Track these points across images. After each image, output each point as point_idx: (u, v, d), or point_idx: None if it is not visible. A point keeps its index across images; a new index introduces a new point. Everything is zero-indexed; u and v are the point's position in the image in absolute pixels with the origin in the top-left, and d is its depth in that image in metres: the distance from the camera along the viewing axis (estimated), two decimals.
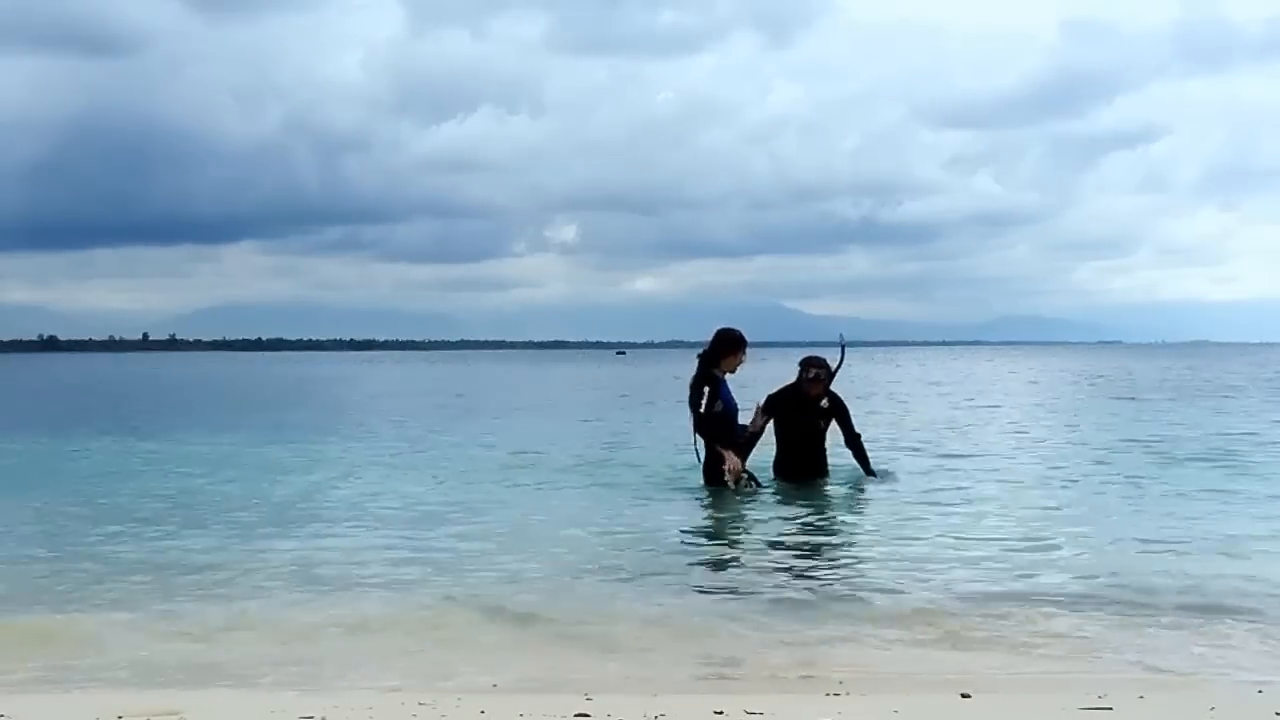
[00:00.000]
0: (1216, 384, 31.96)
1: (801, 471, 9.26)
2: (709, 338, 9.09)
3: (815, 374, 9.13)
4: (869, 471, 9.49)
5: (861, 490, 9.44)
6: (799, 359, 9.48)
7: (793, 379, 9.37)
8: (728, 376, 9.06)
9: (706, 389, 8.86)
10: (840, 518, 8.44)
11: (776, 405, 9.20)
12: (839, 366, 9.15)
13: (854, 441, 9.41)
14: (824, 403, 9.18)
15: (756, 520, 8.25)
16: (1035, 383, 36.70)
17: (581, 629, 5.46)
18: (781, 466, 9.36)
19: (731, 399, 9.02)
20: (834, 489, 9.34)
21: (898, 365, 64.25)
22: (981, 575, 6.42)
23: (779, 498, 8.92)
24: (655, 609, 5.75)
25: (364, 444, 15.42)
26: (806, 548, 7.29)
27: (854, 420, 9.44)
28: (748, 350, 9.17)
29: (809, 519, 8.30)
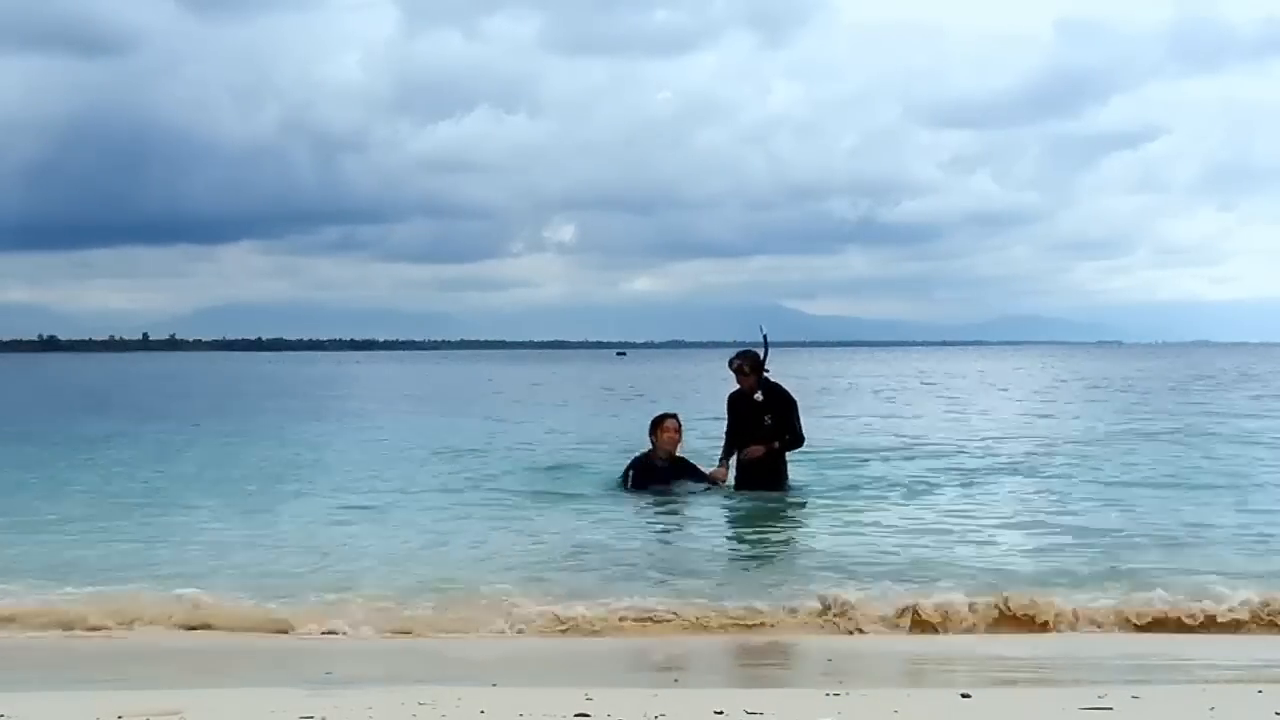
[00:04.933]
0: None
1: (757, 481, 9.02)
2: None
3: (739, 365, 9.05)
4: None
5: (838, 493, 9.44)
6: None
7: (781, 380, 9.25)
8: (679, 451, 9.22)
9: (631, 473, 9.22)
10: (826, 520, 8.40)
11: (730, 408, 9.16)
12: (765, 356, 9.07)
13: (792, 441, 9.06)
14: (758, 396, 8.96)
15: (743, 524, 8.25)
16: (1021, 377, 36.72)
17: (580, 629, 5.48)
18: (741, 476, 9.12)
19: (654, 483, 9.07)
20: (802, 497, 9.16)
21: (899, 364, 64.37)
22: (978, 576, 6.45)
23: (751, 504, 8.77)
24: (652, 610, 5.77)
25: (350, 442, 15.54)
26: (798, 550, 7.34)
27: (801, 423, 9.08)
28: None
29: (793, 522, 8.34)
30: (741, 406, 9.07)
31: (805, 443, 9.21)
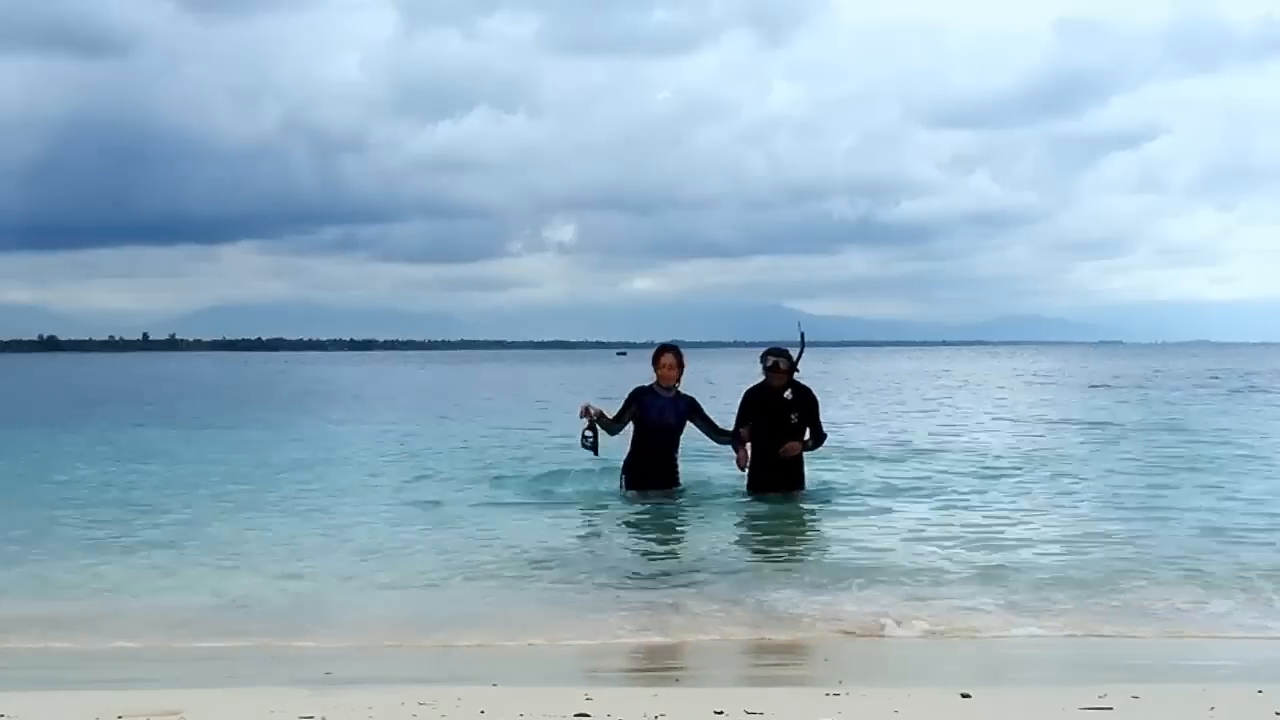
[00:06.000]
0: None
1: (775, 482, 8.88)
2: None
3: (774, 362, 8.85)
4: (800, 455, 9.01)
5: (835, 495, 9.39)
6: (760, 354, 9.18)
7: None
8: (679, 387, 9.08)
9: (626, 399, 9.07)
10: (823, 522, 8.39)
11: (749, 404, 8.94)
12: (799, 356, 8.93)
13: (816, 440, 9.02)
14: (788, 394, 8.81)
15: (739, 528, 8.19)
16: (1028, 381, 36.74)
17: (580, 629, 5.49)
18: (754, 477, 8.97)
19: (654, 413, 8.94)
20: (808, 500, 9.02)
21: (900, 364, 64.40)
22: (976, 576, 6.47)
23: (753, 507, 8.70)
24: (651, 611, 5.79)
25: (342, 442, 15.59)
26: (794, 553, 7.33)
27: (822, 421, 9.04)
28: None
29: (786, 525, 8.27)
30: (767, 403, 8.87)
31: (826, 440, 9.16)
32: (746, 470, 8.99)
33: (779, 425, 8.83)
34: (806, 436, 8.95)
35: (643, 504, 8.85)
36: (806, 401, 8.93)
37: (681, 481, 9.19)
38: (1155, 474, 10.98)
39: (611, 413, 8.99)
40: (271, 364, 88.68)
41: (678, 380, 9.07)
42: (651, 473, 9.04)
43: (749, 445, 8.91)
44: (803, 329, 9.20)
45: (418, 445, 15.07)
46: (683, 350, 9.22)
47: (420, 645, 5.32)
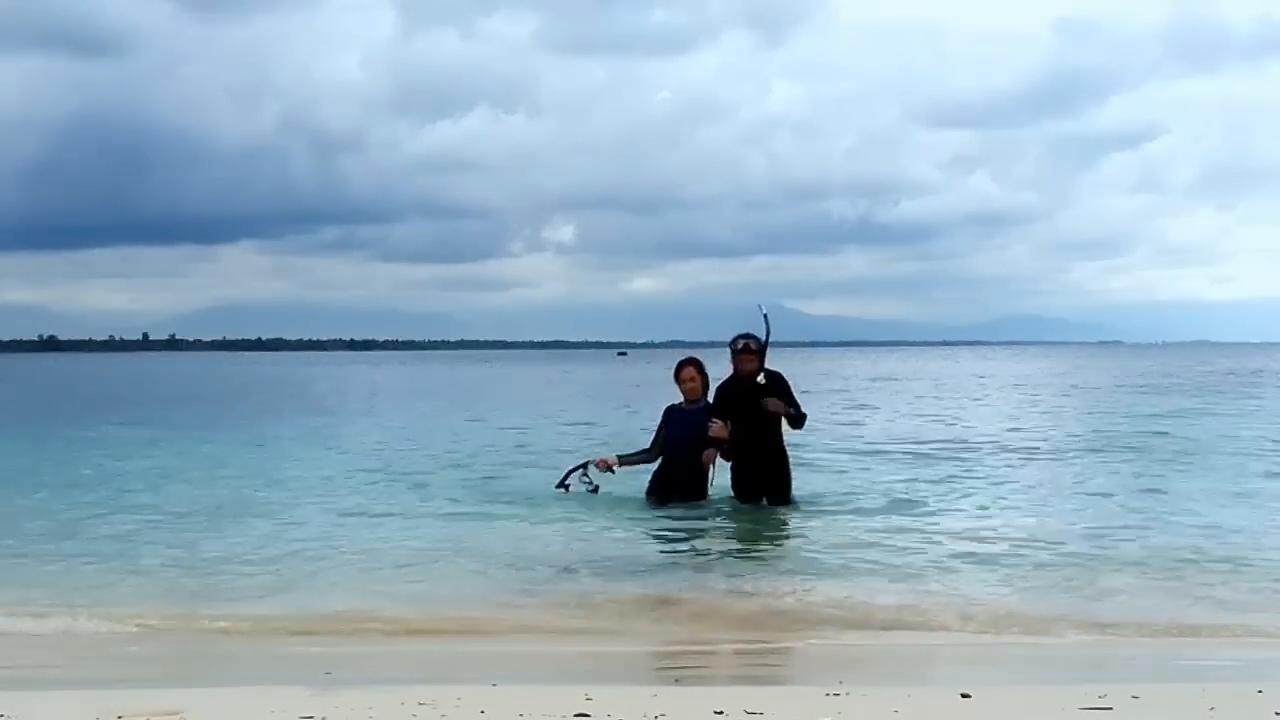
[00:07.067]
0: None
1: (761, 488, 8.60)
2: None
3: (744, 344, 8.52)
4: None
5: (829, 499, 9.29)
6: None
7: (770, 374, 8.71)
8: (710, 398, 8.91)
9: (659, 422, 9.06)
10: (818, 525, 8.30)
11: (722, 398, 8.65)
12: (767, 338, 8.58)
13: (797, 419, 8.59)
14: (761, 379, 8.46)
15: (737, 531, 8.14)
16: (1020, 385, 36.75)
17: (580, 630, 5.49)
18: (739, 483, 8.66)
19: (681, 429, 8.85)
20: (799, 504, 8.81)
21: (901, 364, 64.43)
22: (974, 577, 6.47)
23: (748, 511, 8.52)
24: (650, 611, 5.78)
25: (341, 444, 15.55)
26: (792, 555, 7.31)
27: (798, 400, 8.63)
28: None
29: (782, 528, 8.23)
30: (741, 394, 8.53)
31: (807, 420, 8.72)
32: (730, 476, 8.72)
33: (758, 415, 8.48)
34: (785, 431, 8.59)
35: (647, 509, 8.81)
36: (780, 384, 8.57)
37: (711, 492, 8.93)
38: (1151, 475, 10.97)
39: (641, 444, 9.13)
40: (262, 364, 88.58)
41: (703, 392, 8.95)
42: (678, 485, 8.92)
43: (731, 452, 8.65)
44: (765, 310, 8.78)
45: (419, 445, 15.06)
46: (681, 350, 9.20)
47: (420, 645, 5.33)
